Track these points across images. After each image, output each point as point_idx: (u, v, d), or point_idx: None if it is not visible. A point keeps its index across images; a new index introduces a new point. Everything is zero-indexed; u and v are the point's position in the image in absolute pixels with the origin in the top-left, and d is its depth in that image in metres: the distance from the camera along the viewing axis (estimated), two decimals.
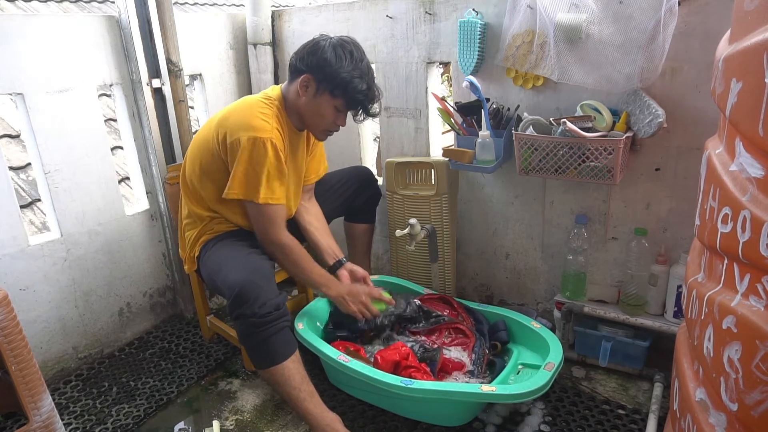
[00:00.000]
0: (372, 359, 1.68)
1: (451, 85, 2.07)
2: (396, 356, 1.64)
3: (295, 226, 1.89)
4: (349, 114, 1.72)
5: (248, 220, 1.73)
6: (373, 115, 1.74)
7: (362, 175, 2.08)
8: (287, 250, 1.69)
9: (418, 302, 1.89)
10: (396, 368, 1.63)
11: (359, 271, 1.86)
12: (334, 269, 1.86)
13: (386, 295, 1.82)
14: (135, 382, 1.89)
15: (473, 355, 1.68)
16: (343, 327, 1.85)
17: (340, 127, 1.74)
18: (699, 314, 0.97)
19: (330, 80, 1.60)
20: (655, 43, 1.49)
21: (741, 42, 0.84)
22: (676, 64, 1.57)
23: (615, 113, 1.64)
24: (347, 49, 1.61)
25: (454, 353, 1.71)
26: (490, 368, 1.71)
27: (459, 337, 1.78)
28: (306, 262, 1.72)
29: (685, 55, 1.56)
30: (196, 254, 1.79)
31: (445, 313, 1.87)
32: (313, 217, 1.93)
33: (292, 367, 1.54)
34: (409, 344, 1.73)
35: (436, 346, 1.74)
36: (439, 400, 1.52)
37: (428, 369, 1.63)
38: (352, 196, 2.06)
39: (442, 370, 1.66)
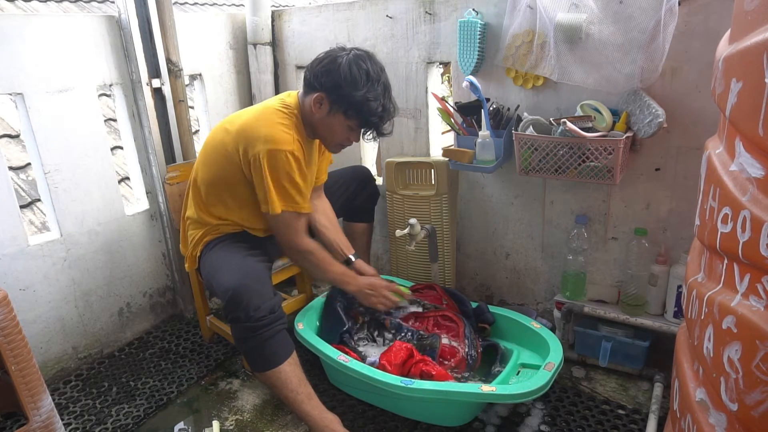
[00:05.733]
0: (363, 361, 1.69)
1: (451, 85, 2.07)
2: (403, 355, 1.64)
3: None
4: None
5: (259, 224, 1.73)
6: (384, 135, 1.71)
7: (360, 174, 2.09)
8: (310, 255, 1.72)
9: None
10: (405, 365, 1.62)
11: (369, 270, 1.88)
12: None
13: (404, 289, 1.85)
14: (135, 382, 1.89)
15: (466, 341, 1.70)
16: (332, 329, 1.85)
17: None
18: (699, 314, 0.97)
19: (344, 102, 1.58)
20: (655, 43, 1.48)
21: (741, 42, 0.84)
22: (676, 64, 1.57)
23: (615, 113, 1.64)
24: (363, 69, 1.55)
25: (446, 340, 1.74)
26: (489, 353, 1.73)
27: (446, 323, 1.80)
28: (327, 264, 1.75)
29: (685, 55, 1.56)
30: (198, 254, 1.79)
31: (430, 297, 1.90)
32: (323, 216, 1.93)
33: (289, 370, 1.54)
34: (401, 335, 1.74)
35: (430, 333, 1.75)
36: (439, 400, 1.52)
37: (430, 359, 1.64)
38: (351, 196, 2.06)
39: (440, 356, 1.67)
